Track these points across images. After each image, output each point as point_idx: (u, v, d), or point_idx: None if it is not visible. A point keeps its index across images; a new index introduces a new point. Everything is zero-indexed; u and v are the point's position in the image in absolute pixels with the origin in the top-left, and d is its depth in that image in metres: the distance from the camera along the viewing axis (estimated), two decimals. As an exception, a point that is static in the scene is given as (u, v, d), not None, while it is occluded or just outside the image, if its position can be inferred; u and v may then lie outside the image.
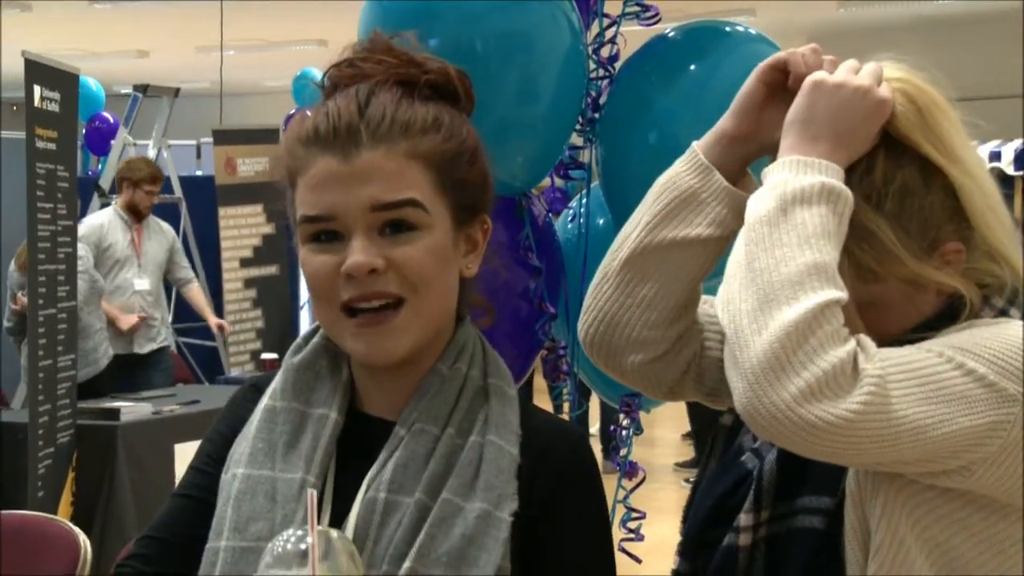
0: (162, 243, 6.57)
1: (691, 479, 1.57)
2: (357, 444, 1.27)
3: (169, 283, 6.87)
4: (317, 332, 1.32)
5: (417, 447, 1.23)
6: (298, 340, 1.33)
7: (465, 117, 1.30)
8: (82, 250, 5.59)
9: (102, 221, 6.40)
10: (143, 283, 6.45)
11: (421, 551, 1.18)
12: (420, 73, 1.26)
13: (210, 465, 1.31)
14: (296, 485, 1.23)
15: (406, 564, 1.17)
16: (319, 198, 1.21)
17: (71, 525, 3.03)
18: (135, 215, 6.41)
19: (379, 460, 1.24)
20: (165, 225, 6.69)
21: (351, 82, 1.26)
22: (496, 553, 1.19)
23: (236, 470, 1.25)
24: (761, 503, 1.32)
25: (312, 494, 1.07)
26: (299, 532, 1.09)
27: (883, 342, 1.24)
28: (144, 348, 6.48)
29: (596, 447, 7.94)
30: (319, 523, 1.21)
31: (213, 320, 6.71)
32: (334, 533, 1.08)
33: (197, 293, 6.78)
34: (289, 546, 1.07)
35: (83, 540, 2.92)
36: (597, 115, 2.53)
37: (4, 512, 3.87)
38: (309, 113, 1.26)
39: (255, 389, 1.35)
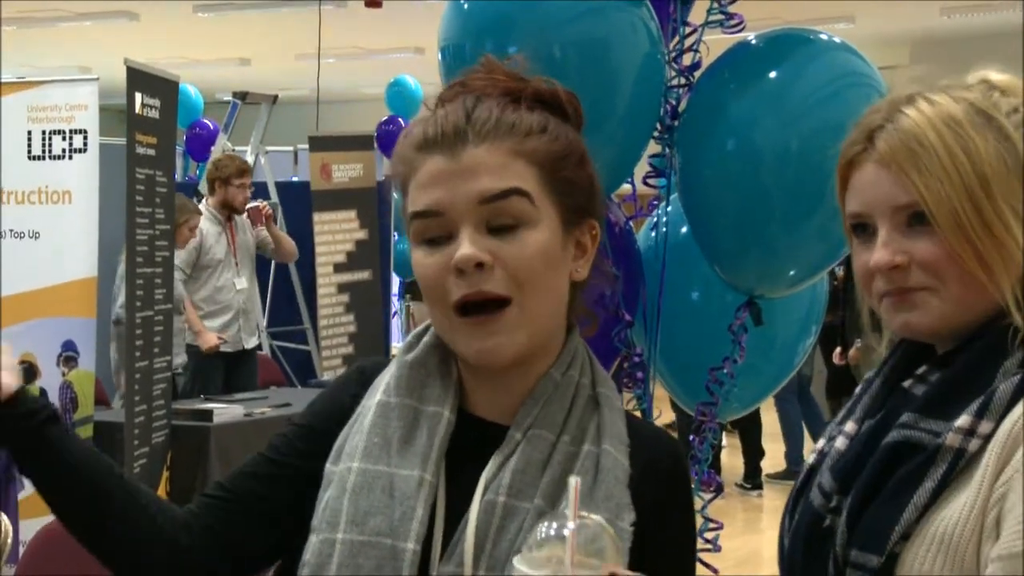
0: (248, 242, 6.73)
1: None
2: (464, 444, 1.28)
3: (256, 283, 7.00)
4: (428, 331, 1.34)
5: (534, 453, 1.25)
6: (409, 338, 1.35)
7: (572, 126, 1.32)
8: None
9: (200, 225, 6.54)
10: (242, 281, 6.61)
11: None
12: (523, 87, 1.30)
13: (300, 437, 1.33)
14: (414, 482, 1.24)
15: None
16: (427, 194, 1.25)
17: (160, 523, 3.09)
18: (230, 212, 6.54)
19: (494, 463, 1.26)
20: (247, 223, 6.81)
21: (459, 97, 1.30)
22: (621, 565, 1.19)
23: (351, 463, 1.26)
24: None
25: (576, 481, 1.05)
26: (562, 518, 1.06)
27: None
28: (249, 343, 6.67)
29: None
30: (435, 521, 1.24)
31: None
32: (600, 520, 1.06)
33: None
34: (552, 532, 1.05)
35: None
36: (676, 122, 2.51)
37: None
38: (420, 121, 1.29)
39: (360, 373, 1.37)
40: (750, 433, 7.83)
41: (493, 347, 1.23)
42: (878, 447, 1.29)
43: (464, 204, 1.23)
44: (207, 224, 6.51)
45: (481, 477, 1.25)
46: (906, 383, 1.33)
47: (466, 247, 1.22)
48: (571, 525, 1.04)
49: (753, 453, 7.89)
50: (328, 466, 1.29)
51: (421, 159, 1.26)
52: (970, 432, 1.23)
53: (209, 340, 6.40)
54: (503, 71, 1.31)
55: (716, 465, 7.38)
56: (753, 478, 7.85)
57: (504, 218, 1.23)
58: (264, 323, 7.94)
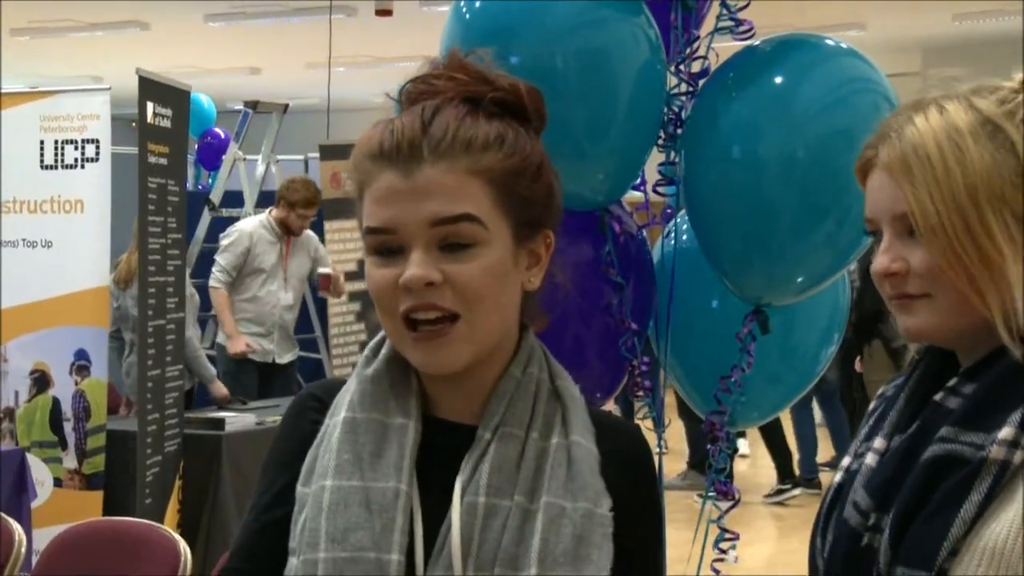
0: (304, 262, 6.70)
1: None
2: (431, 448, 1.29)
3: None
4: (385, 343, 1.34)
5: (507, 451, 1.26)
6: (366, 352, 1.36)
7: (532, 134, 1.31)
8: None
9: (250, 231, 6.53)
10: (287, 297, 6.60)
11: (541, 555, 1.21)
12: (488, 90, 1.28)
13: (286, 487, 1.31)
14: (390, 494, 1.24)
15: (532, 571, 1.20)
16: (381, 211, 1.25)
17: (172, 532, 3.10)
18: (286, 232, 6.55)
19: (468, 464, 1.26)
20: (313, 242, 6.78)
21: (422, 98, 1.29)
22: (607, 549, 1.23)
23: (323, 482, 1.26)
24: None
25: None
26: None
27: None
28: (284, 358, 6.67)
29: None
30: (413, 530, 1.24)
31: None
32: None
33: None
34: None
35: (183, 548, 2.99)
36: (679, 130, 2.51)
37: (109, 518, 3.97)
38: (378, 128, 1.28)
39: (315, 399, 1.37)
40: (772, 437, 7.75)
41: (440, 360, 1.25)
42: (915, 462, 1.28)
43: (415, 225, 1.23)
44: (261, 231, 6.52)
45: (457, 480, 1.26)
46: (937, 396, 1.32)
47: (414, 268, 1.22)
48: None
49: (781, 455, 7.79)
50: (300, 488, 1.29)
51: (376, 171, 1.26)
52: (1014, 444, 1.22)
53: (237, 345, 6.42)
54: (467, 70, 1.29)
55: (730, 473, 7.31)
56: (790, 477, 7.74)
57: (455, 239, 1.23)
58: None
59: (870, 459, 1.36)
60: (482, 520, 1.23)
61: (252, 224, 6.62)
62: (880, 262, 1.32)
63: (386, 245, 1.25)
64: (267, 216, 6.63)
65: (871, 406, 1.46)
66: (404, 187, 1.24)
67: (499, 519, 1.23)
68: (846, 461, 1.41)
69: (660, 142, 2.53)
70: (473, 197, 1.24)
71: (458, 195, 1.23)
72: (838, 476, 1.41)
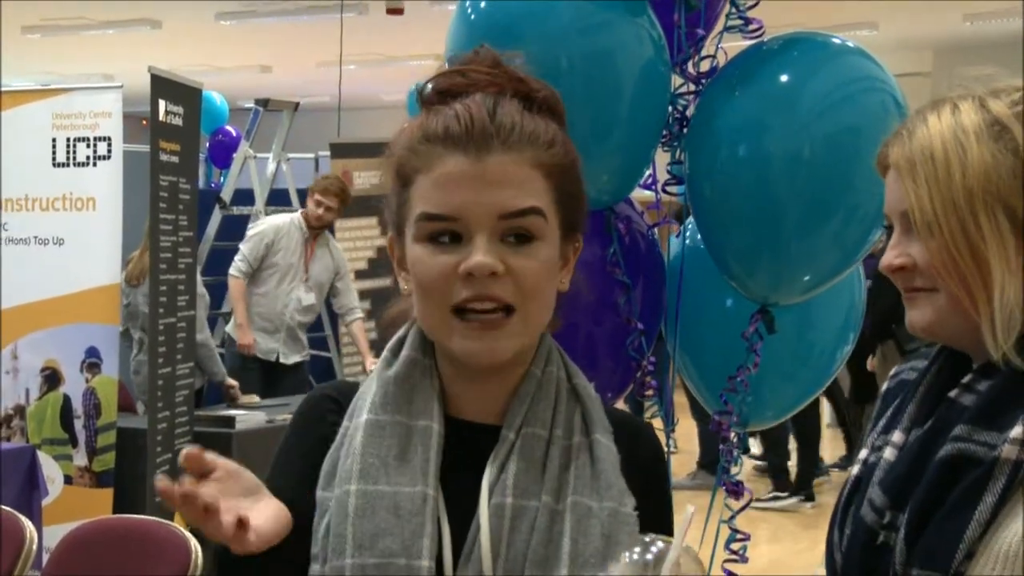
0: (328, 266, 6.65)
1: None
2: (453, 449, 1.28)
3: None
4: (404, 344, 1.33)
5: (532, 451, 1.26)
6: (386, 354, 1.34)
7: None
8: None
9: (278, 225, 6.53)
10: (307, 298, 6.56)
11: (572, 556, 1.21)
12: (528, 89, 1.29)
13: (295, 487, 1.29)
14: (418, 499, 1.24)
15: (564, 571, 1.20)
16: (446, 197, 1.23)
17: (183, 530, 3.10)
18: (310, 228, 6.53)
19: (493, 465, 1.26)
20: (337, 250, 6.77)
21: (462, 90, 1.28)
22: None
23: (348, 486, 1.25)
24: None
25: (692, 511, 1.10)
26: (650, 542, 1.11)
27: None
28: (290, 359, 6.62)
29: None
30: (441, 533, 1.24)
31: (370, 361, 6.52)
32: (689, 548, 1.11)
33: (359, 329, 6.72)
34: (649, 556, 1.10)
35: (194, 545, 2.99)
36: (684, 130, 2.50)
37: (119, 516, 3.98)
38: (431, 115, 1.27)
39: (331, 400, 1.35)
40: (806, 444, 7.66)
41: (489, 350, 1.24)
42: (929, 460, 1.28)
43: (484, 215, 1.22)
44: (290, 228, 6.50)
45: (483, 481, 1.25)
46: (952, 393, 1.32)
47: (481, 256, 1.21)
48: (676, 549, 1.09)
49: (806, 466, 7.71)
50: (320, 492, 1.27)
51: (439, 154, 1.24)
52: None
53: (244, 336, 6.41)
54: (502, 67, 1.30)
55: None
56: (805, 487, 7.67)
57: (519, 231, 1.23)
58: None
59: (888, 453, 1.36)
60: (510, 521, 1.23)
61: (282, 219, 6.61)
62: (887, 257, 1.35)
63: (446, 232, 1.24)
64: (298, 215, 6.63)
65: (885, 387, 1.47)
66: (474, 172, 1.22)
67: (527, 520, 1.23)
68: (863, 453, 1.42)
69: (664, 142, 2.53)
70: (538, 191, 1.24)
71: (526, 187, 1.24)
72: (856, 468, 1.41)
